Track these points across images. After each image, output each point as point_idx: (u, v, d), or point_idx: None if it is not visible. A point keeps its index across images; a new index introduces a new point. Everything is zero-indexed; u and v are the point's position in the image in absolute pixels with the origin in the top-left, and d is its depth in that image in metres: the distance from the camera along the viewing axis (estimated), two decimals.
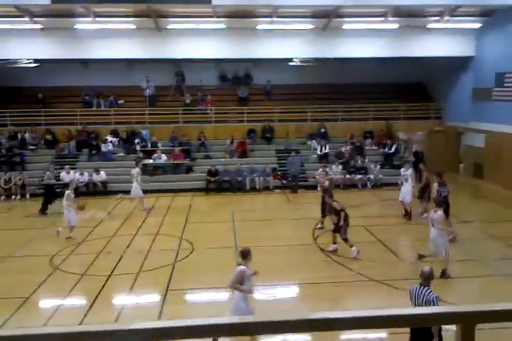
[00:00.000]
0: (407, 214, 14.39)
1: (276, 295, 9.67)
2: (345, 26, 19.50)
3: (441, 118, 23.00)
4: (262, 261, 11.09)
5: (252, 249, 11.79)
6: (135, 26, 18.83)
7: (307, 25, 19.41)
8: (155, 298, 9.35)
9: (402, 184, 14.55)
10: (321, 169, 15.71)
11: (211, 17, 18.29)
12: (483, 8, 18.75)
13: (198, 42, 19.52)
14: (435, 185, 12.44)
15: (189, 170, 19.83)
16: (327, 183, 13.15)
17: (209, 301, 9.39)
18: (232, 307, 6.93)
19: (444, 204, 11.10)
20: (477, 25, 19.91)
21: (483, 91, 19.97)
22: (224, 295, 9.54)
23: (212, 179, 18.82)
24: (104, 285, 9.69)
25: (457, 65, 21.76)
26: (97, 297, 9.16)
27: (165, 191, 18.75)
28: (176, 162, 19.68)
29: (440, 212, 9.69)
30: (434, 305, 5.67)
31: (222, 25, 18.95)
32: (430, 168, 16.10)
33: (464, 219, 14.05)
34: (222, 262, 11.00)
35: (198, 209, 16.53)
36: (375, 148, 21.59)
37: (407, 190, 14.25)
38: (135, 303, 9.24)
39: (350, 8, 17.91)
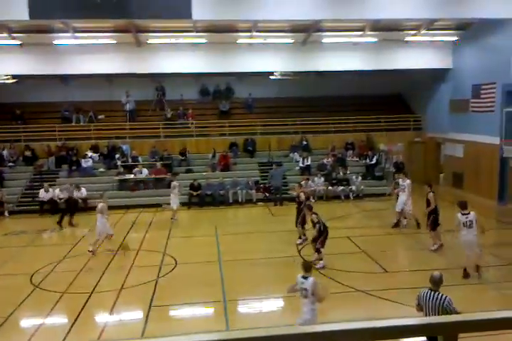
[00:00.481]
0: (397, 225, 14.64)
1: (262, 308, 9.56)
2: (325, 40, 19.75)
3: (421, 129, 23.32)
4: (247, 274, 11.02)
5: (236, 263, 11.80)
6: (115, 41, 18.79)
7: (287, 39, 19.61)
8: (138, 314, 9.16)
9: (398, 194, 14.68)
10: (303, 181, 15.77)
11: (191, 31, 18.36)
12: (459, 22, 19.19)
13: (179, 56, 19.57)
14: (431, 195, 12.57)
15: (171, 184, 19.63)
16: (302, 196, 13.29)
17: (193, 316, 9.22)
18: (310, 318, 7.00)
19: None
20: (453, 38, 20.34)
21: (460, 102, 20.35)
22: (209, 310, 9.41)
23: (195, 193, 18.69)
24: (85, 303, 9.47)
25: (435, 77, 22.17)
26: (78, 315, 8.93)
27: (147, 206, 18.54)
28: (157, 176, 19.51)
29: (473, 213, 10.34)
30: (450, 307, 5.90)
31: (202, 40, 19.03)
32: (412, 178, 16.24)
33: (446, 228, 14.14)
34: (206, 276, 10.89)
35: (180, 224, 16.37)
36: (357, 159, 21.75)
37: (403, 200, 14.38)
38: (118, 321, 9.04)
39: (329, 22, 18.13)
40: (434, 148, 22.78)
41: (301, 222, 13.12)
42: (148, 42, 19.07)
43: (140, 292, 10.05)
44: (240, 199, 19.01)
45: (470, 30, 19.60)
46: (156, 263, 11.82)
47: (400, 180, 15.01)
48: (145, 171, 19.50)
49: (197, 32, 18.43)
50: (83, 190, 18.29)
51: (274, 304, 9.80)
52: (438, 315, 5.88)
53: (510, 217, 15.58)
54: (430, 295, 6.08)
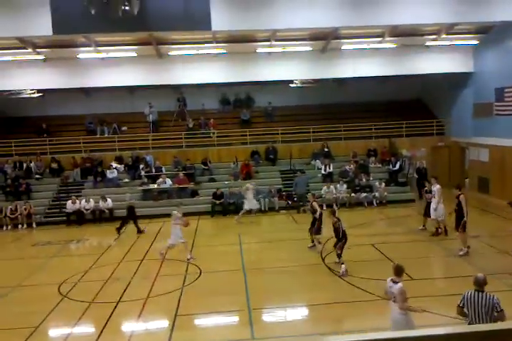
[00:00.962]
0: (438, 233, 14.20)
1: (287, 317, 9.55)
2: (344, 47, 19.78)
3: (444, 134, 23.05)
4: (271, 283, 11.02)
5: (260, 271, 11.81)
6: (136, 54, 19.16)
7: (306, 47, 19.69)
8: (164, 324, 9.24)
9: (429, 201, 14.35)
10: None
11: (211, 42, 18.60)
12: (480, 25, 19.00)
13: (199, 67, 19.82)
14: (462, 197, 12.37)
15: (194, 193, 19.84)
16: (315, 205, 13.41)
17: (218, 325, 9.26)
18: (400, 321, 7.02)
19: None
20: (474, 42, 20.15)
21: (484, 106, 20.08)
22: (234, 319, 9.43)
23: (218, 202, 18.81)
24: (112, 312, 9.60)
25: (457, 81, 21.95)
26: (106, 324, 9.06)
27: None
28: (180, 186, 19.70)
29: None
30: (498, 305, 6.08)
31: (222, 50, 19.26)
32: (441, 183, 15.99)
33: (471, 233, 13.92)
34: (230, 285, 10.93)
35: (204, 233, 16.47)
36: (379, 165, 21.59)
37: (434, 207, 14.01)
38: (144, 330, 9.14)
39: (347, 29, 18.17)
40: (458, 153, 22.49)
41: (315, 230, 13.21)
42: (170, 53, 19.38)
43: (165, 301, 10.13)
44: (262, 208, 19.03)
45: (491, 34, 19.38)
46: (181, 273, 11.91)
47: (431, 185, 14.57)
48: (168, 181, 19.72)
49: (217, 42, 18.67)
50: (109, 200, 18.59)
51: (298, 313, 9.77)
52: (487, 314, 6.09)
53: None
54: (477, 296, 6.23)
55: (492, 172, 19.68)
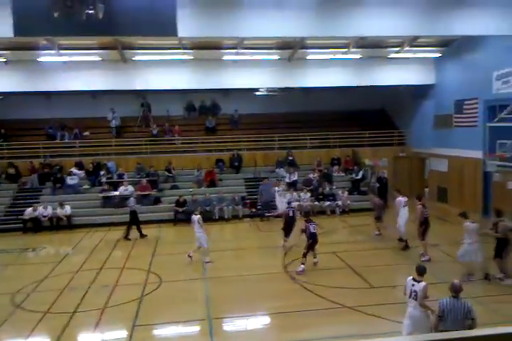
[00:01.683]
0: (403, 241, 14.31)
1: (248, 326, 9.43)
2: (310, 57, 19.99)
3: (405, 145, 23.53)
4: (233, 291, 10.89)
5: (222, 280, 11.68)
6: (100, 58, 18.81)
7: (273, 56, 19.80)
8: (121, 334, 8.97)
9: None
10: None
11: (178, 48, 18.45)
12: (441, 39, 19.56)
13: (165, 73, 19.62)
14: (419, 207, 12.94)
15: (157, 201, 19.53)
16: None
17: (178, 336, 9.05)
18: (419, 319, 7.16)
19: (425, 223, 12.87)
20: (436, 55, 20.72)
21: (444, 117, 20.63)
22: (194, 329, 9.25)
23: (181, 209, 18.55)
24: (68, 323, 9.27)
25: (418, 93, 22.49)
26: (60, 336, 8.73)
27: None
28: (143, 193, 19.37)
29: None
30: (472, 313, 6.37)
31: (188, 56, 19.13)
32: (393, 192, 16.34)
33: (431, 242, 14.17)
34: (191, 294, 10.76)
35: (166, 241, 16.21)
36: (342, 174, 21.83)
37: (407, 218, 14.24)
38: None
39: (313, 39, 18.36)
40: (418, 163, 22.98)
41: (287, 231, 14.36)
42: (134, 59, 19.12)
43: (124, 311, 9.86)
44: (226, 216, 18.90)
45: (452, 47, 19.98)
46: (141, 282, 11.64)
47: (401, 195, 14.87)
48: (130, 188, 19.34)
49: (183, 49, 18.52)
50: (67, 207, 18.08)
51: (260, 321, 9.67)
52: (463, 320, 6.33)
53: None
54: (454, 302, 6.47)
55: (450, 182, 20.18)
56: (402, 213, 14.28)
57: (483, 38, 17.16)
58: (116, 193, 19.27)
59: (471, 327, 6.31)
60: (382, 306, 9.75)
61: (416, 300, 7.15)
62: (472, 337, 1.65)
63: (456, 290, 6.59)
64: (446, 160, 20.55)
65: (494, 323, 8.44)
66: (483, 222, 16.17)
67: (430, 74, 21.56)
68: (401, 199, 14.57)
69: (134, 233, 16.37)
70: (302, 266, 11.90)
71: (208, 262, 12.92)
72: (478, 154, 17.44)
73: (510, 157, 14.28)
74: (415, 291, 7.18)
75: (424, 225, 12.96)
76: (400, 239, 14.34)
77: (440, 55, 20.67)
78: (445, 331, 6.31)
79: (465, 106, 19.20)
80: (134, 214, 16.59)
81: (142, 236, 16.41)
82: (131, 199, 16.93)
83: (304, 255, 12.02)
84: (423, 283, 7.20)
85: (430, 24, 15.60)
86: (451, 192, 20.25)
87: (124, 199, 19.27)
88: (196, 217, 13.28)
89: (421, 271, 7.40)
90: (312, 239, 12.16)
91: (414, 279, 7.33)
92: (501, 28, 14.90)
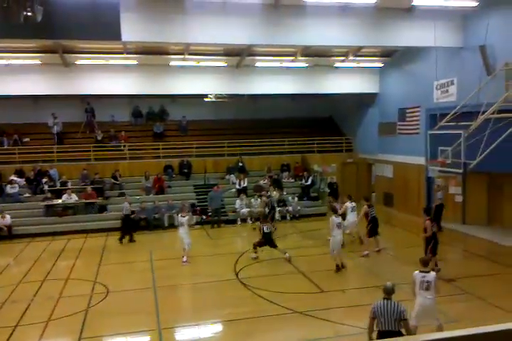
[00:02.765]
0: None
1: (199, 334, 9.25)
2: (258, 64, 20.13)
3: (352, 151, 24.09)
4: (183, 300, 10.68)
5: (171, 288, 11.42)
6: (41, 62, 18.12)
7: (220, 62, 19.78)
8: None
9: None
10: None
11: (122, 53, 18.07)
12: (384, 49, 20.23)
13: (109, 77, 19.21)
14: (365, 207, 14.15)
15: (103, 209, 18.93)
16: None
17: None
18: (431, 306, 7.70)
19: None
20: (379, 65, 21.41)
21: (388, 125, 21.31)
22: (143, 339, 8.97)
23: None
24: (9, 338, 8.73)
25: (364, 101, 23.14)
26: None
27: (76, 232, 17.67)
28: (87, 201, 18.72)
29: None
30: (403, 314, 6.51)
31: (133, 61, 18.78)
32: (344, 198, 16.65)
33: (376, 247, 14.50)
34: (140, 304, 10.44)
35: (113, 250, 15.69)
36: (292, 180, 22.03)
37: (350, 222, 14.91)
38: None
39: (261, 47, 18.52)
40: (365, 169, 23.58)
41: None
42: (77, 62, 18.56)
43: (69, 323, 9.42)
44: (175, 223, 18.55)
45: (394, 57, 20.72)
46: (87, 292, 11.19)
47: (337, 205, 15.23)
48: (74, 196, 18.65)
49: (127, 53, 18.17)
50: (7, 216, 17.20)
51: (212, 330, 9.48)
52: (395, 322, 6.47)
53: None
54: (386, 304, 6.59)
55: (396, 187, 20.82)
56: (350, 217, 14.92)
57: (424, 49, 17.91)
58: (60, 201, 18.52)
59: (404, 328, 6.51)
60: (333, 310, 9.85)
61: (428, 290, 7.58)
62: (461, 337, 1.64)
63: (388, 292, 6.73)
64: (391, 166, 21.19)
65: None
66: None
67: (375, 84, 22.26)
68: (348, 204, 15.02)
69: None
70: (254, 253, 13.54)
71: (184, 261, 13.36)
72: (421, 160, 18.07)
73: (451, 163, 14.85)
74: (428, 282, 7.59)
75: (371, 223, 13.94)
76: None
77: (383, 64, 21.38)
78: (381, 331, 6.57)
79: (408, 115, 19.92)
80: (127, 219, 16.77)
81: (132, 241, 16.57)
82: (126, 204, 16.92)
83: (254, 247, 13.57)
84: (433, 273, 7.77)
85: (373, 35, 16.13)
86: (396, 197, 20.87)
87: (68, 208, 18.61)
88: (184, 219, 13.71)
89: (426, 262, 7.89)
90: (264, 238, 13.46)
91: (422, 271, 7.69)
92: (441, 40, 15.60)
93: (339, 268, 12.31)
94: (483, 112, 13.78)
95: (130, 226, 16.81)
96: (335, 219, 12.49)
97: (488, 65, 14.92)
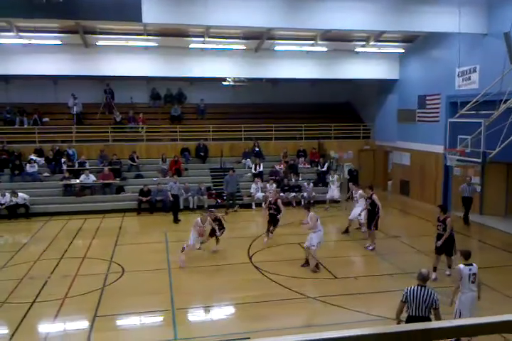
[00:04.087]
0: (347, 231, 14.83)
1: (212, 316, 9.41)
2: (277, 48, 19.94)
3: (370, 138, 23.88)
4: (197, 282, 10.83)
5: (186, 270, 11.59)
6: (61, 42, 18.19)
7: (240, 45, 19.64)
8: (82, 324, 8.79)
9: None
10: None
11: (142, 35, 18.05)
12: (406, 35, 19.85)
13: (129, 59, 19.20)
14: (375, 196, 13.18)
15: (120, 190, 19.16)
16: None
17: (140, 326, 8.92)
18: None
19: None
20: (401, 50, 21.04)
21: (407, 112, 21.02)
22: (157, 319, 9.15)
23: (144, 199, 18.26)
24: (26, 314, 8.99)
25: (383, 87, 22.83)
26: (18, 326, 8.46)
27: (93, 212, 17.95)
28: (105, 181, 18.96)
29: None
30: (437, 303, 6.53)
31: (153, 43, 18.75)
32: (361, 185, 16.57)
33: (392, 234, 14.50)
34: (154, 284, 10.62)
35: (129, 231, 15.94)
36: (308, 166, 21.97)
37: (356, 211, 14.52)
38: (61, 331, 8.63)
39: (281, 30, 18.32)
40: (382, 156, 23.38)
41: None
42: (97, 43, 18.58)
43: (84, 301, 9.64)
44: (191, 206, 18.74)
45: (416, 43, 20.32)
46: (102, 272, 11.41)
47: (353, 191, 15.25)
48: (92, 176, 18.89)
49: (148, 35, 18.14)
50: (21, 195, 17.41)
51: (224, 312, 9.64)
52: (426, 309, 6.52)
53: (453, 222, 16.11)
54: (420, 290, 6.60)
55: (413, 175, 20.64)
56: (362, 204, 14.52)
57: (447, 35, 17.52)
58: (77, 181, 18.79)
59: (435, 317, 6.50)
60: (344, 296, 9.90)
61: (474, 282, 7.53)
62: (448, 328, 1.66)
63: (423, 279, 6.75)
64: (408, 154, 20.99)
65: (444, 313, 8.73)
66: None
67: (395, 70, 21.91)
68: (361, 192, 14.77)
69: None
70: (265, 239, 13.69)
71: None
72: (439, 149, 17.86)
73: (470, 152, 14.65)
74: (474, 274, 7.54)
75: (377, 215, 13.05)
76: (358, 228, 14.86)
77: (404, 50, 21.01)
78: (410, 316, 6.60)
79: (428, 102, 19.62)
80: (176, 198, 17.18)
81: (176, 221, 16.86)
82: (172, 183, 17.29)
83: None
84: (475, 265, 7.65)
85: (396, 20, 15.84)
86: (413, 186, 20.71)
87: (85, 188, 18.86)
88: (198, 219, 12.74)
89: (466, 255, 7.77)
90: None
91: (466, 264, 7.59)
92: (465, 26, 15.27)
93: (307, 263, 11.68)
94: (505, 101, 13.52)
95: (177, 206, 17.25)
96: (313, 215, 11.75)
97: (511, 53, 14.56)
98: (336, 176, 19.35)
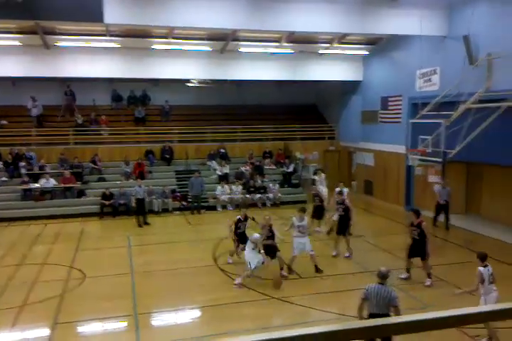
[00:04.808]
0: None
1: (176, 319, 9.24)
2: (242, 49, 19.90)
3: (335, 139, 24.11)
4: (161, 286, 10.64)
5: (149, 274, 11.38)
6: (21, 43, 17.66)
7: (204, 47, 19.52)
8: (42, 332, 8.48)
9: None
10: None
11: (104, 35, 17.71)
12: (369, 37, 20.14)
13: (90, 60, 18.79)
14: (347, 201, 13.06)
15: (81, 193, 18.71)
16: None
17: (102, 332, 8.68)
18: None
19: None
20: (364, 52, 21.34)
21: (370, 113, 21.33)
22: (119, 325, 8.93)
23: (107, 202, 17.88)
24: None
25: (348, 89, 23.09)
26: None
27: (54, 217, 17.45)
28: (66, 185, 18.47)
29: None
30: (395, 301, 6.63)
31: (116, 44, 18.42)
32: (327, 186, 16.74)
33: (356, 233, 14.61)
34: (116, 290, 10.37)
35: (90, 235, 15.54)
36: (274, 167, 22.00)
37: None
38: (19, 340, 8.31)
39: (245, 32, 18.29)
40: (346, 157, 23.65)
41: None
42: (58, 44, 18.13)
43: (44, 308, 9.33)
44: (155, 209, 18.46)
45: (379, 45, 20.65)
46: (63, 278, 11.08)
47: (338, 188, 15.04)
48: (52, 180, 18.37)
49: (110, 36, 17.81)
50: None
51: (189, 315, 9.49)
52: (385, 306, 6.62)
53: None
54: (379, 289, 6.73)
55: (376, 175, 20.94)
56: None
57: (408, 38, 17.85)
58: (37, 185, 18.24)
59: (395, 314, 6.57)
60: (309, 296, 9.90)
61: (492, 282, 7.67)
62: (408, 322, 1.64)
63: (383, 277, 6.87)
64: (372, 155, 21.28)
65: (414, 308, 8.84)
66: (405, 213, 16.94)
67: (358, 71, 22.19)
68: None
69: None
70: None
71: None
72: (401, 149, 18.17)
73: (431, 152, 14.96)
74: (492, 274, 7.71)
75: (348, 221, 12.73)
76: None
77: (367, 52, 21.32)
78: (370, 314, 6.71)
79: (390, 103, 19.95)
80: (141, 202, 16.93)
81: (146, 223, 16.76)
82: (138, 188, 16.98)
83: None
84: (490, 265, 7.79)
85: (359, 22, 16.03)
86: (376, 186, 21.00)
87: (45, 192, 18.33)
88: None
89: (483, 257, 7.80)
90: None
91: (485, 266, 7.70)
92: (426, 29, 15.56)
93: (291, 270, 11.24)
94: (464, 102, 13.87)
95: (142, 210, 16.99)
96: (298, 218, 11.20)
97: (470, 55, 14.96)
98: (323, 175, 18.78)
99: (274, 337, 1.55)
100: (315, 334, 1.59)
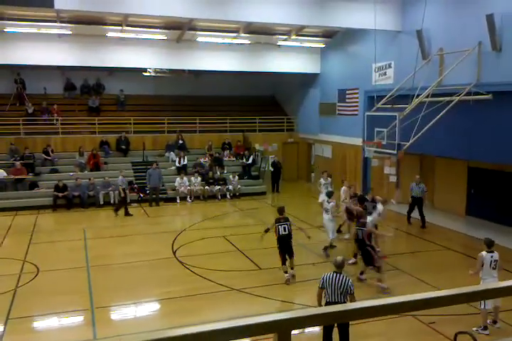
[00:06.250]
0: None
1: (134, 313, 9.11)
2: (200, 39, 19.65)
3: (293, 131, 24.27)
4: (118, 279, 10.46)
5: (106, 268, 11.16)
6: None
7: (160, 35, 19.14)
8: None
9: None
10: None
11: (55, 21, 17.05)
12: (326, 30, 20.30)
13: (41, 47, 18.11)
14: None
15: (33, 185, 18.08)
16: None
17: (57, 327, 8.46)
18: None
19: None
20: (321, 45, 21.50)
21: (328, 105, 21.57)
22: (75, 319, 8.72)
23: (61, 194, 17.36)
24: None
25: (306, 81, 23.24)
26: None
27: (5, 209, 16.80)
28: (17, 177, 17.80)
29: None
30: (351, 289, 6.79)
31: (67, 31, 17.79)
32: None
33: (316, 224, 14.80)
34: (72, 284, 10.13)
35: (44, 228, 15.08)
36: (233, 159, 21.93)
37: None
38: None
39: (202, 21, 18.04)
40: (305, 149, 23.86)
41: None
42: (6, 30, 17.33)
43: None
44: (111, 201, 18.07)
45: (336, 38, 20.85)
46: (15, 272, 10.71)
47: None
48: (2, 172, 17.66)
49: (61, 22, 17.17)
50: None
51: (146, 308, 9.37)
52: (341, 294, 6.76)
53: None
54: (335, 277, 6.86)
55: (334, 167, 21.22)
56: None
57: (364, 32, 18.10)
58: None
59: (351, 301, 6.72)
60: (269, 287, 9.98)
61: (495, 269, 7.79)
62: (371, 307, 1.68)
63: (338, 266, 7.01)
64: (330, 147, 21.56)
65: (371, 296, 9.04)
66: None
67: (316, 64, 22.35)
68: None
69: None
70: None
71: None
72: (358, 141, 18.45)
73: (386, 144, 15.27)
74: (495, 260, 7.83)
75: None
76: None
77: (325, 45, 21.49)
78: (327, 302, 6.88)
79: (347, 96, 20.23)
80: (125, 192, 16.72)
81: (127, 214, 16.53)
82: (121, 178, 16.81)
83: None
84: (496, 252, 7.93)
85: (316, 15, 16.11)
86: (334, 177, 21.26)
87: None
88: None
89: (490, 244, 7.93)
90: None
91: (488, 252, 7.85)
92: (380, 23, 15.82)
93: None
94: (418, 96, 14.21)
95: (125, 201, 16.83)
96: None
97: (424, 50, 15.34)
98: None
99: (226, 326, 1.55)
100: (275, 321, 1.58)
